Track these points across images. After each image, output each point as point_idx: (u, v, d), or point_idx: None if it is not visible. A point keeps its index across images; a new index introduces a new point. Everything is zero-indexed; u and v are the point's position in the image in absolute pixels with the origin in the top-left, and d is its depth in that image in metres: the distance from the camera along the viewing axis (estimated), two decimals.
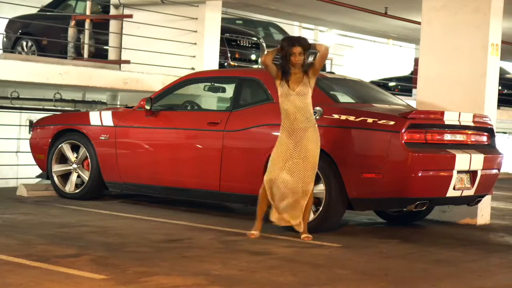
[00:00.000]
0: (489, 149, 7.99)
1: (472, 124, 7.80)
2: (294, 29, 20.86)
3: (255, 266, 5.85)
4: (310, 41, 7.20)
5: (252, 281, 5.39)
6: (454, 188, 7.46)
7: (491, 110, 8.70)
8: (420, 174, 7.14)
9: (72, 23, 12.22)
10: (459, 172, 7.48)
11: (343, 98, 8.16)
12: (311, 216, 7.39)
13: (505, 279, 5.99)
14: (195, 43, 11.79)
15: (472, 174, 7.68)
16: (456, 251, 7.02)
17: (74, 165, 9.23)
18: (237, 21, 16.39)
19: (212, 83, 9.26)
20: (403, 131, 7.13)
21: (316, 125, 7.05)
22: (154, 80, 11.18)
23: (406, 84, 19.06)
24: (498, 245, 7.72)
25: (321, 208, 7.40)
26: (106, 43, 12.81)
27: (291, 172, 6.95)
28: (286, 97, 7.00)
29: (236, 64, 12.92)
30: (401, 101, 8.55)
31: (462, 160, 7.47)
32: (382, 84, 18.16)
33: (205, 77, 9.37)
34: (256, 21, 16.81)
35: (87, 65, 11.06)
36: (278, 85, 7.08)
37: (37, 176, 9.83)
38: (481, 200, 8.19)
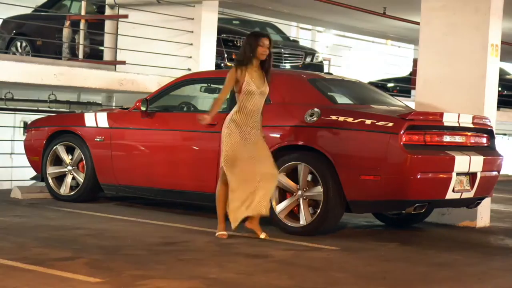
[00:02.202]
0: (488, 151, 7.94)
1: (471, 126, 7.75)
2: (291, 29, 20.82)
3: (252, 269, 5.81)
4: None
5: (249, 284, 5.35)
6: (453, 190, 7.40)
7: (491, 112, 8.66)
8: (419, 176, 7.08)
9: (67, 23, 12.16)
10: (458, 174, 7.42)
11: (341, 99, 8.13)
12: (309, 219, 7.35)
13: (505, 282, 5.96)
14: (191, 44, 11.72)
15: (472, 176, 7.63)
16: (455, 254, 6.97)
17: (69, 167, 9.18)
18: (234, 22, 16.30)
19: (209, 84, 9.22)
20: (401, 132, 7.06)
21: (261, 127, 7.22)
22: (150, 81, 11.11)
23: (405, 85, 18.98)
24: (498, 248, 7.68)
25: (319, 211, 7.34)
26: (101, 44, 12.75)
27: (254, 164, 7.03)
28: (251, 95, 7.09)
29: (232, 65, 12.84)
30: (399, 102, 8.51)
31: (462, 162, 7.41)
32: (381, 85, 18.11)
33: (201, 78, 9.32)
34: (253, 22, 16.72)
35: (82, 66, 11.00)
36: (243, 81, 7.08)
37: (32, 178, 9.77)
38: (480, 202, 8.15)
